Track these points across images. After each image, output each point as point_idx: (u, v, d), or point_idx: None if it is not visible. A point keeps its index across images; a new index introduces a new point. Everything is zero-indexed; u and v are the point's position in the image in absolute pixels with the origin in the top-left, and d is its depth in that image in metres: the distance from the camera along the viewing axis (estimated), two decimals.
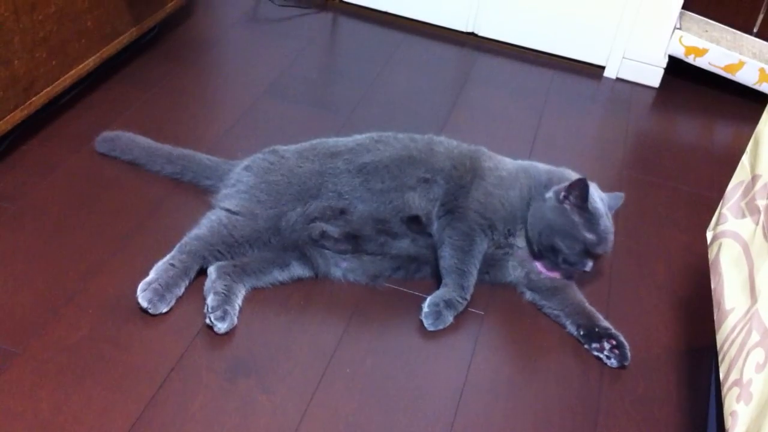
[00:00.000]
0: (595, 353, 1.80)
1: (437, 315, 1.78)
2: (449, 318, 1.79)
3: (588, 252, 1.84)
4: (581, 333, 1.82)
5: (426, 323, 1.78)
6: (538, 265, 1.91)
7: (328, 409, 1.58)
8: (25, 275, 1.75)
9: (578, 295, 1.89)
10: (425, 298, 1.81)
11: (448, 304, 1.79)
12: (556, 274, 1.90)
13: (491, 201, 1.89)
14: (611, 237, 1.87)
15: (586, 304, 1.86)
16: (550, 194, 1.88)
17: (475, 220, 1.86)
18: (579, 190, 1.82)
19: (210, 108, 2.49)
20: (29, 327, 1.63)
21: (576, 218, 1.83)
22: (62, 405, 1.49)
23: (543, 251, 1.87)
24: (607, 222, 1.86)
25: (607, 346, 1.78)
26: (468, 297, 1.82)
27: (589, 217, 1.83)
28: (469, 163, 1.94)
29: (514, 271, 1.93)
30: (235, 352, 1.66)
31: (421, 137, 2.01)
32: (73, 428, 1.45)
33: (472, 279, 1.83)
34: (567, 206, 1.84)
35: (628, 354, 1.78)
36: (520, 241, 1.91)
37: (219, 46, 2.86)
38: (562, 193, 1.85)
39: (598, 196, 1.89)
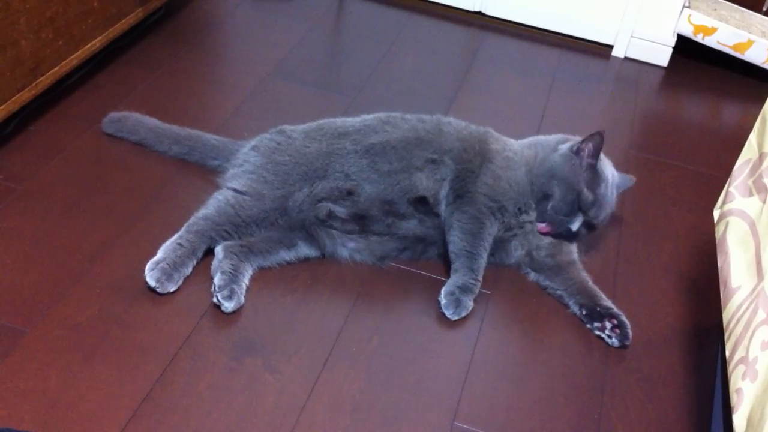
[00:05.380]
0: (597, 333, 1.80)
1: (457, 303, 1.77)
2: (469, 303, 1.78)
3: (580, 209, 1.85)
4: (583, 313, 1.82)
5: (448, 314, 1.77)
6: (539, 225, 1.91)
7: (334, 388, 1.59)
8: (32, 255, 1.76)
9: (582, 274, 1.88)
10: (432, 279, 1.81)
11: (463, 289, 1.79)
12: (547, 230, 1.89)
13: (500, 183, 1.88)
14: (608, 208, 1.89)
15: (589, 283, 1.86)
16: (565, 145, 1.90)
17: (484, 203, 1.86)
18: (594, 143, 1.85)
19: (216, 88, 2.49)
20: (37, 306, 1.64)
21: (582, 171, 1.85)
22: (70, 383, 1.50)
23: (537, 200, 1.88)
24: (608, 191, 1.88)
25: (608, 325, 1.78)
26: (480, 278, 1.81)
27: (594, 176, 1.85)
28: (478, 146, 1.93)
29: (515, 252, 1.93)
30: (242, 332, 1.67)
31: (429, 118, 2.00)
32: (80, 406, 1.46)
33: (482, 261, 1.83)
34: (578, 160, 1.86)
35: (629, 333, 1.78)
36: (532, 215, 1.91)
37: (225, 26, 2.85)
38: (578, 144, 1.87)
39: (609, 169, 1.92)
